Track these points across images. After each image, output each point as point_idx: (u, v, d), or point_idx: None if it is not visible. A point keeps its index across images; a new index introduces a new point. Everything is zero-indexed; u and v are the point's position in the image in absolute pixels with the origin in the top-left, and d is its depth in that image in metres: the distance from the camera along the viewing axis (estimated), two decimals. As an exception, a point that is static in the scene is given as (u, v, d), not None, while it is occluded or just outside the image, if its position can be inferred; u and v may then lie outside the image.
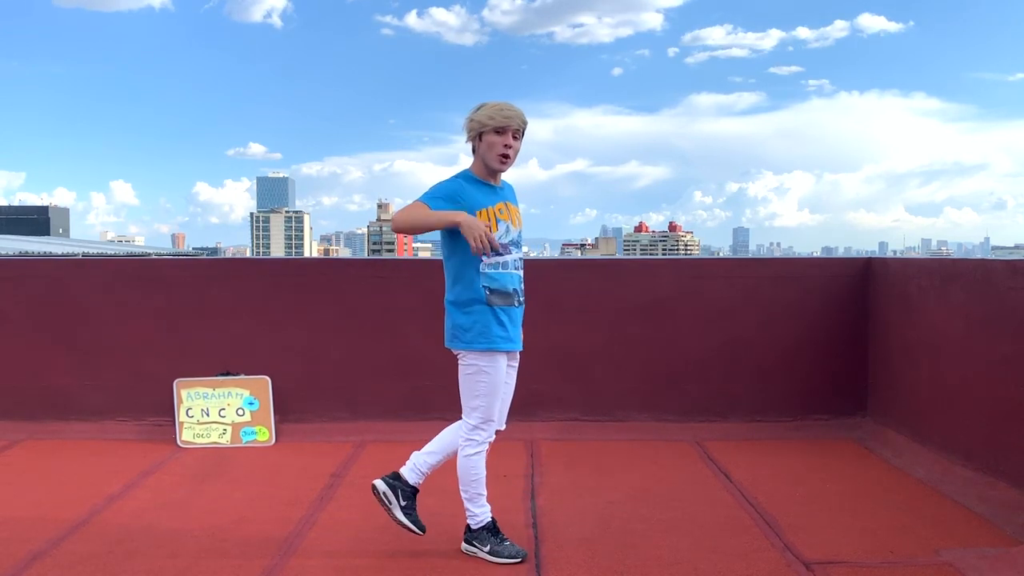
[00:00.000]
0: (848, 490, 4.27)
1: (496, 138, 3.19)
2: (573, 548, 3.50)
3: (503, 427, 3.45)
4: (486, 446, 3.35)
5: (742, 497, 4.18)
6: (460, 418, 3.43)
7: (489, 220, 3.21)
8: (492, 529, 3.41)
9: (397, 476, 3.44)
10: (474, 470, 3.33)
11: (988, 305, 4.20)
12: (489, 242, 3.06)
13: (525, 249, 3.52)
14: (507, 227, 3.28)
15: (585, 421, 5.42)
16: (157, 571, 3.26)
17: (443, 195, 3.19)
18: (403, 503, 3.40)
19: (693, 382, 5.45)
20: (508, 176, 3.47)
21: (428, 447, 3.47)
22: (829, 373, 5.43)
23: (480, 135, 3.22)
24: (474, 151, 3.29)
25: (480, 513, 3.40)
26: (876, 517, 3.87)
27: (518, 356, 3.46)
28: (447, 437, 3.45)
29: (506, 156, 3.22)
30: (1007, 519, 3.74)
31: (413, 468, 3.44)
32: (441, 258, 3.43)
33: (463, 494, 3.39)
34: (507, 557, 3.34)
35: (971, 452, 4.26)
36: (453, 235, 3.21)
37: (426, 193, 3.21)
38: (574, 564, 3.34)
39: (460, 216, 3.10)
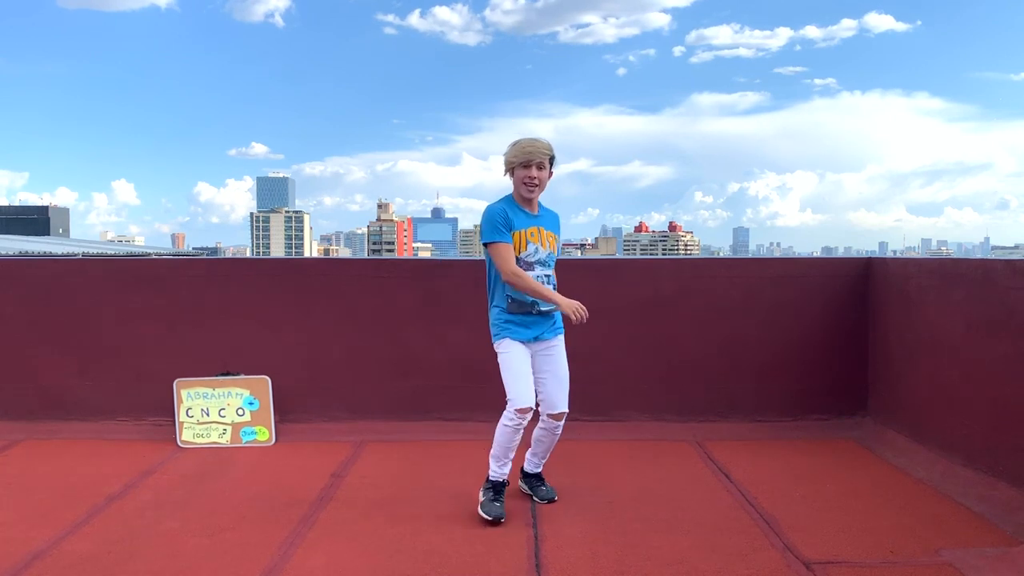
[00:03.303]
0: (848, 490, 4.27)
1: (523, 172, 3.79)
2: (573, 548, 3.50)
3: (564, 409, 3.93)
4: (519, 423, 3.75)
5: (742, 497, 4.18)
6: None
7: (522, 241, 3.79)
8: (497, 488, 3.87)
9: (524, 472, 4.19)
10: (504, 438, 3.82)
11: (988, 305, 4.20)
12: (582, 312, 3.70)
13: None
14: (536, 248, 3.83)
15: (585, 421, 5.42)
16: (157, 571, 3.27)
17: (501, 224, 3.76)
18: (545, 487, 4.16)
19: (693, 382, 5.45)
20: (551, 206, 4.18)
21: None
22: (829, 373, 5.43)
23: (512, 170, 3.83)
24: (513, 181, 3.87)
25: (498, 471, 3.89)
26: (876, 517, 3.87)
27: (552, 344, 3.92)
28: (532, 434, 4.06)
29: (532, 185, 3.79)
30: (1007, 519, 3.74)
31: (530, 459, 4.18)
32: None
33: (492, 451, 3.88)
34: (484, 513, 3.80)
35: (971, 452, 4.26)
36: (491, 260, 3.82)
37: (490, 228, 3.78)
38: (574, 564, 3.34)
39: (559, 300, 3.74)
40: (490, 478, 3.90)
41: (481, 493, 3.92)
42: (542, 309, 3.85)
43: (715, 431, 5.33)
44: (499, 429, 3.84)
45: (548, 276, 3.89)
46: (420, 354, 5.40)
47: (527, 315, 3.83)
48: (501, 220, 3.77)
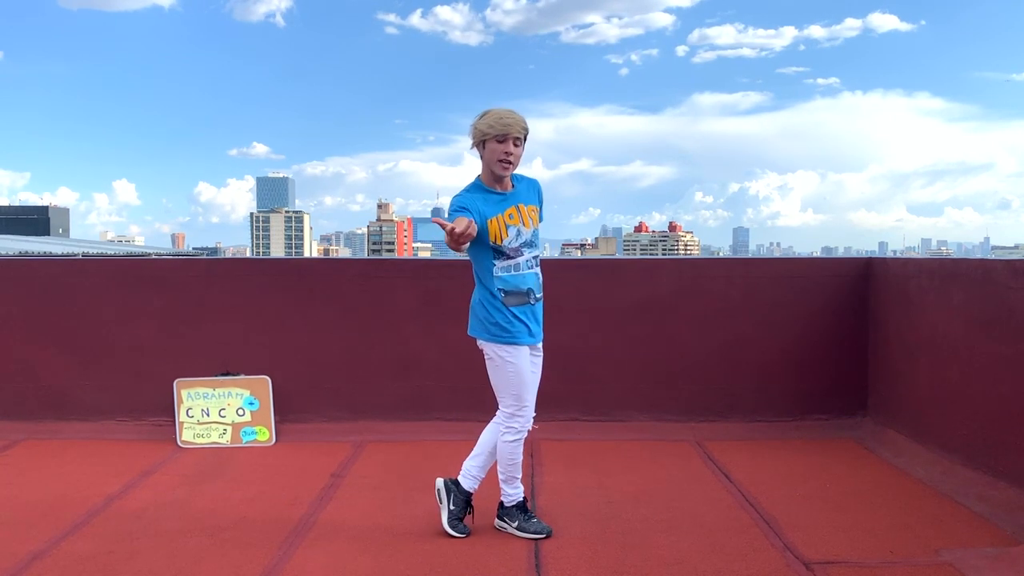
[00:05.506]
0: (848, 490, 4.27)
1: (497, 146, 3.39)
2: (573, 548, 3.50)
3: (533, 415, 3.64)
4: (524, 433, 3.59)
5: (742, 497, 4.18)
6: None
7: (500, 228, 3.42)
8: (522, 507, 3.69)
9: (457, 483, 3.72)
10: (511, 455, 3.61)
11: (988, 305, 4.20)
12: (459, 232, 3.10)
13: (546, 248, 3.59)
14: (518, 231, 3.47)
15: (585, 421, 5.42)
16: (157, 571, 3.27)
17: (458, 208, 3.39)
18: (452, 507, 3.68)
19: (693, 382, 5.45)
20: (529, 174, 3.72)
21: (473, 451, 3.74)
22: (829, 373, 5.43)
23: (483, 142, 3.42)
24: (481, 157, 3.48)
25: (513, 493, 3.67)
26: (876, 517, 3.87)
27: (540, 348, 3.66)
28: (485, 437, 3.72)
29: (507, 163, 3.41)
30: (1007, 519, 3.74)
31: (465, 475, 3.72)
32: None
33: (500, 475, 3.67)
34: (533, 532, 3.61)
35: (971, 452, 4.26)
36: (471, 245, 3.42)
37: (449, 209, 3.44)
38: (574, 564, 3.34)
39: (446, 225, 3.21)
40: (511, 503, 3.67)
41: (511, 520, 3.66)
42: (538, 296, 3.53)
43: (715, 431, 5.33)
44: (503, 447, 3.58)
45: (536, 258, 3.54)
46: (420, 354, 5.40)
47: (525, 306, 3.47)
48: (459, 207, 3.37)
